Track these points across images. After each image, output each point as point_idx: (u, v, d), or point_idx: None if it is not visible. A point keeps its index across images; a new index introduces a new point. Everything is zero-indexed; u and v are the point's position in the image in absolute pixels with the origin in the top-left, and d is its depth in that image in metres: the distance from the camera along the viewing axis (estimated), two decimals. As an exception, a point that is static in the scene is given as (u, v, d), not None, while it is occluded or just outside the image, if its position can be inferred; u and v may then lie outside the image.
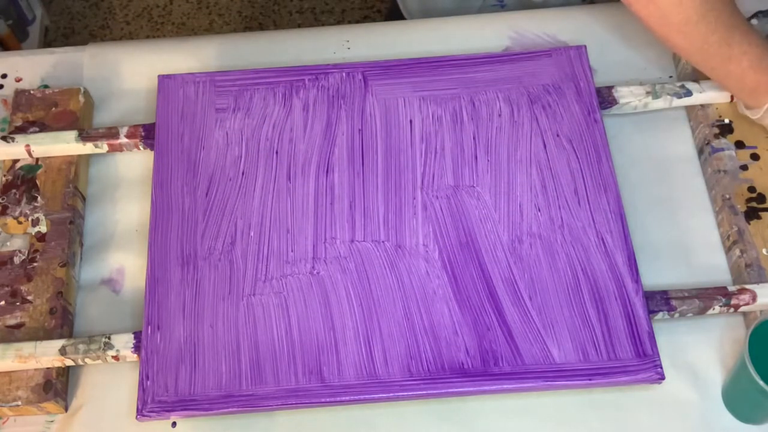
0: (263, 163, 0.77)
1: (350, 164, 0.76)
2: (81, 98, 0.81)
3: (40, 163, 0.78)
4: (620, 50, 0.84)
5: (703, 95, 0.79)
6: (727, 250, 0.74)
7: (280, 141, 0.78)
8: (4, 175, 0.78)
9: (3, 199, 0.76)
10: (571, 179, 0.75)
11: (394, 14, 1.04)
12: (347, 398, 0.66)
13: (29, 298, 0.72)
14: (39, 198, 0.76)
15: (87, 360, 0.69)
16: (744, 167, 0.76)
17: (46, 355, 0.68)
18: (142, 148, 0.80)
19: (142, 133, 0.79)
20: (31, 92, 0.82)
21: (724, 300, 0.69)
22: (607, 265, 0.71)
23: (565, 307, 0.69)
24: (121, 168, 0.81)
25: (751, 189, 0.75)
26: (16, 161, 0.78)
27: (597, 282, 0.70)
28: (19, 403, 0.67)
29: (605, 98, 0.79)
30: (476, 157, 0.76)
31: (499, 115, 0.78)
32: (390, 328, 0.69)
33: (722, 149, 0.77)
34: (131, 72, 0.86)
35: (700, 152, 0.79)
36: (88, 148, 0.79)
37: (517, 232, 0.73)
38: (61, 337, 0.70)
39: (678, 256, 0.74)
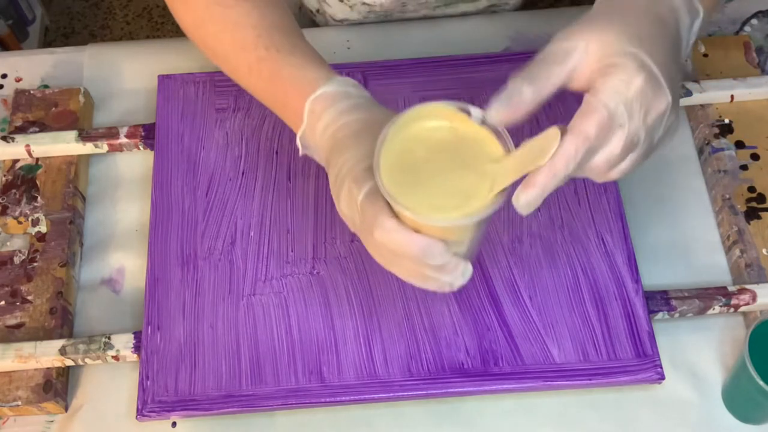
0: (263, 163, 0.77)
1: (350, 164, 0.76)
2: (81, 98, 0.81)
3: (40, 163, 0.78)
4: (620, 50, 0.84)
5: (703, 95, 0.79)
6: (727, 250, 0.74)
7: (280, 141, 0.78)
8: (4, 175, 0.78)
9: (3, 199, 0.76)
10: (571, 179, 0.75)
11: None
12: (347, 398, 0.66)
13: (29, 298, 0.72)
14: (39, 198, 0.76)
15: (87, 360, 0.69)
16: (744, 167, 0.76)
17: (46, 355, 0.68)
18: (142, 148, 0.80)
19: (142, 133, 0.79)
20: (31, 92, 0.82)
21: (724, 300, 0.69)
22: (607, 265, 0.71)
23: (565, 307, 0.69)
24: (121, 168, 0.81)
25: (751, 189, 0.75)
26: (16, 161, 0.78)
27: (597, 282, 0.70)
28: (19, 403, 0.67)
29: (605, 98, 0.79)
30: (476, 157, 0.76)
31: (499, 115, 0.78)
32: (390, 328, 0.69)
33: (722, 149, 0.77)
34: (131, 72, 0.86)
35: (700, 152, 0.79)
36: (88, 148, 0.79)
37: (517, 232, 0.73)
38: (61, 337, 0.70)
39: (678, 256, 0.74)
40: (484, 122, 0.54)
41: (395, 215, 0.53)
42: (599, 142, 0.51)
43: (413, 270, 0.55)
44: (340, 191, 0.57)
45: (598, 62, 0.51)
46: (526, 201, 0.50)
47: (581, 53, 0.52)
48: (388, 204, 0.53)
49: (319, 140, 0.59)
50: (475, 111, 0.54)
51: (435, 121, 0.55)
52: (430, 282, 0.56)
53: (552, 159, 0.50)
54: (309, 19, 0.95)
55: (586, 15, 0.54)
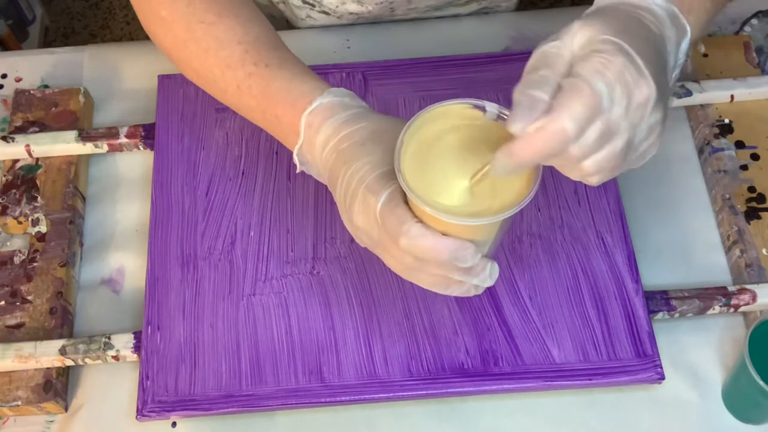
0: (263, 163, 0.77)
1: (350, 164, 0.76)
2: (81, 98, 0.81)
3: (40, 163, 0.78)
4: (620, 50, 0.84)
5: (703, 95, 0.79)
6: (727, 250, 0.74)
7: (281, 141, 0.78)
8: (4, 175, 0.78)
9: (3, 199, 0.76)
10: (571, 179, 0.75)
11: None
12: (347, 398, 0.66)
13: (29, 298, 0.72)
14: (39, 198, 0.76)
15: (87, 360, 0.69)
16: (744, 167, 0.76)
17: (46, 355, 0.68)
18: (142, 148, 0.80)
19: (142, 133, 0.79)
20: (31, 92, 0.82)
21: (724, 300, 0.69)
22: (607, 265, 0.71)
23: (565, 307, 0.69)
24: (121, 168, 0.81)
25: (751, 189, 0.75)
26: (16, 161, 0.78)
27: (597, 282, 0.70)
28: (19, 403, 0.67)
29: (605, 98, 0.79)
30: (476, 157, 0.76)
31: (499, 115, 0.78)
32: (390, 328, 0.69)
33: (722, 149, 0.77)
34: (131, 72, 0.86)
35: (700, 152, 0.79)
36: (88, 148, 0.79)
37: (517, 232, 0.73)
38: (61, 337, 0.70)
39: (678, 256, 0.74)
40: (499, 117, 0.53)
41: (420, 220, 0.52)
42: (586, 123, 0.46)
43: (438, 276, 0.54)
44: (353, 203, 0.55)
45: (581, 50, 0.49)
46: (503, 165, 0.47)
47: (569, 46, 0.49)
48: (410, 210, 0.52)
49: (320, 154, 0.58)
50: (490, 106, 0.54)
51: (450, 120, 0.54)
52: (454, 287, 0.55)
53: (536, 134, 0.46)
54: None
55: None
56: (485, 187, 0.52)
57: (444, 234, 0.51)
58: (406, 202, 0.53)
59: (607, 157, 0.49)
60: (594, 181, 0.51)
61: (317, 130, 0.58)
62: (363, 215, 0.55)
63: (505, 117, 0.53)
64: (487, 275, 0.54)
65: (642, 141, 0.50)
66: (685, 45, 0.54)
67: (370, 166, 0.54)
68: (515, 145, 0.46)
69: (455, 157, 0.53)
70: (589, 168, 0.49)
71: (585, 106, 0.46)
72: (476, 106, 0.54)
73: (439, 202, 0.51)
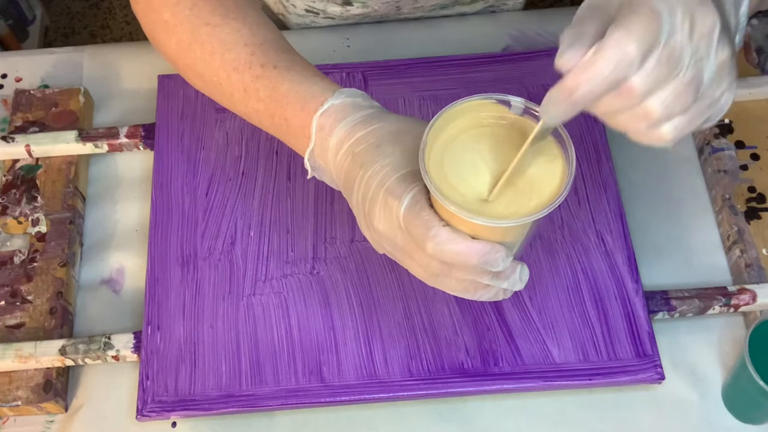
0: (263, 163, 0.77)
1: (350, 164, 0.76)
2: (81, 98, 0.81)
3: (40, 163, 0.78)
4: (620, 50, 0.84)
5: (703, 95, 0.79)
6: (727, 250, 0.74)
7: (280, 141, 0.78)
8: (4, 175, 0.78)
9: (3, 199, 0.76)
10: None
11: None
12: (347, 398, 0.66)
13: (29, 298, 0.72)
14: (39, 198, 0.76)
15: (87, 360, 0.69)
16: (744, 167, 0.76)
17: (46, 355, 0.68)
18: (142, 148, 0.80)
19: (142, 133, 0.79)
20: (31, 92, 0.82)
21: (724, 300, 0.69)
22: (607, 265, 0.71)
23: (565, 307, 0.69)
24: (121, 168, 0.81)
25: (751, 189, 0.75)
26: (16, 161, 0.78)
27: (597, 282, 0.70)
28: (19, 403, 0.67)
29: (605, 98, 0.79)
30: (476, 157, 0.76)
31: (499, 115, 0.78)
32: (390, 328, 0.69)
33: (722, 149, 0.77)
34: (131, 72, 0.86)
35: (700, 152, 0.79)
36: (88, 148, 0.79)
37: (517, 232, 0.73)
38: (61, 337, 0.70)
39: (678, 256, 0.74)
40: (525, 111, 0.51)
41: (447, 223, 0.50)
42: (647, 46, 0.41)
43: (466, 281, 0.52)
44: (373, 208, 0.52)
45: None
46: (555, 108, 0.43)
47: None
48: (435, 213, 0.50)
49: (333, 158, 0.56)
50: (515, 101, 0.51)
51: (473, 117, 0.52)
52: (482, 291, 0.53)
53: (593, 58, 0.41)
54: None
55: None
56: (515, 187, 0.50)
57: (472, 236, 0.49)
58: (430, 204, 0.51)
59: (675, 92, 0.43)
60: (667, 135, 0.45)
61: (330, 132, 0.55)
62: (385, 220, 0.52)
63: (532, 111, 0.51)
64: (518, 278, 0.52)
65: (712, 83, 0.45)
66: (744, 7, 0.50)
67: (389, 169, 0.52)
68: (568, 78, 0.42)
69: (481, 156, 0.51)
70: (657, 110, 0.43)
71: (644, 24, 0.41)
72: (501, 101, 0.52)
73: (469, 203, 0.49)
